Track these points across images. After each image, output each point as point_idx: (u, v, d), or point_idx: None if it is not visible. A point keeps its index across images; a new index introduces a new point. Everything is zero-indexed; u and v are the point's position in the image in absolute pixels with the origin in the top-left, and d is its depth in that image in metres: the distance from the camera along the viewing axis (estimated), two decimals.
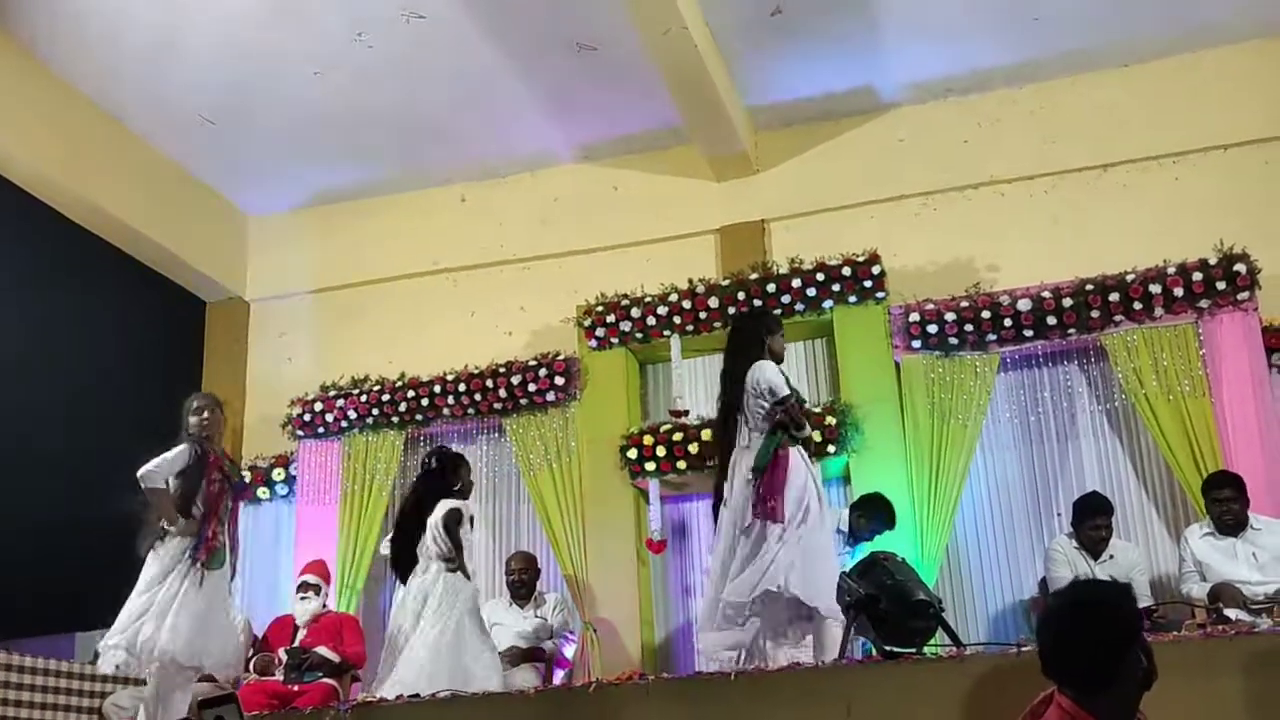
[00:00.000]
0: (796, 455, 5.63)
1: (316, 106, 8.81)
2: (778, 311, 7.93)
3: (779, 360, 5.96)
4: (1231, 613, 5.49)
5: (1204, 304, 7.42)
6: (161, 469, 5.92)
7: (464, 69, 8.47)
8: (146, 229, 9.06)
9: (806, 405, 6.41)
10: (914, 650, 4.44)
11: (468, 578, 6.23)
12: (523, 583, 7.56)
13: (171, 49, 8.17)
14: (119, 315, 9.09)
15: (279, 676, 6.96)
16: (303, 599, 7.40)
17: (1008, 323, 7.68)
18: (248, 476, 8.87)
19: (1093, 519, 6.67)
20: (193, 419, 6.11)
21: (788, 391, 5.67)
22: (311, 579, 7.51)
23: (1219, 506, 6.43)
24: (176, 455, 5.97)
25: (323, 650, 7.05)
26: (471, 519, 6.37)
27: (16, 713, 6.68)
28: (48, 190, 8.39)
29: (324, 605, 7.51)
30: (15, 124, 8.05)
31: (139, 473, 5.89)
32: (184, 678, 5.80)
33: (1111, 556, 6.65)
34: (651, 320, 8.29)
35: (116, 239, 9.01)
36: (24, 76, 8.16)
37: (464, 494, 6.51)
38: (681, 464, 7.84)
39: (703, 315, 8.20)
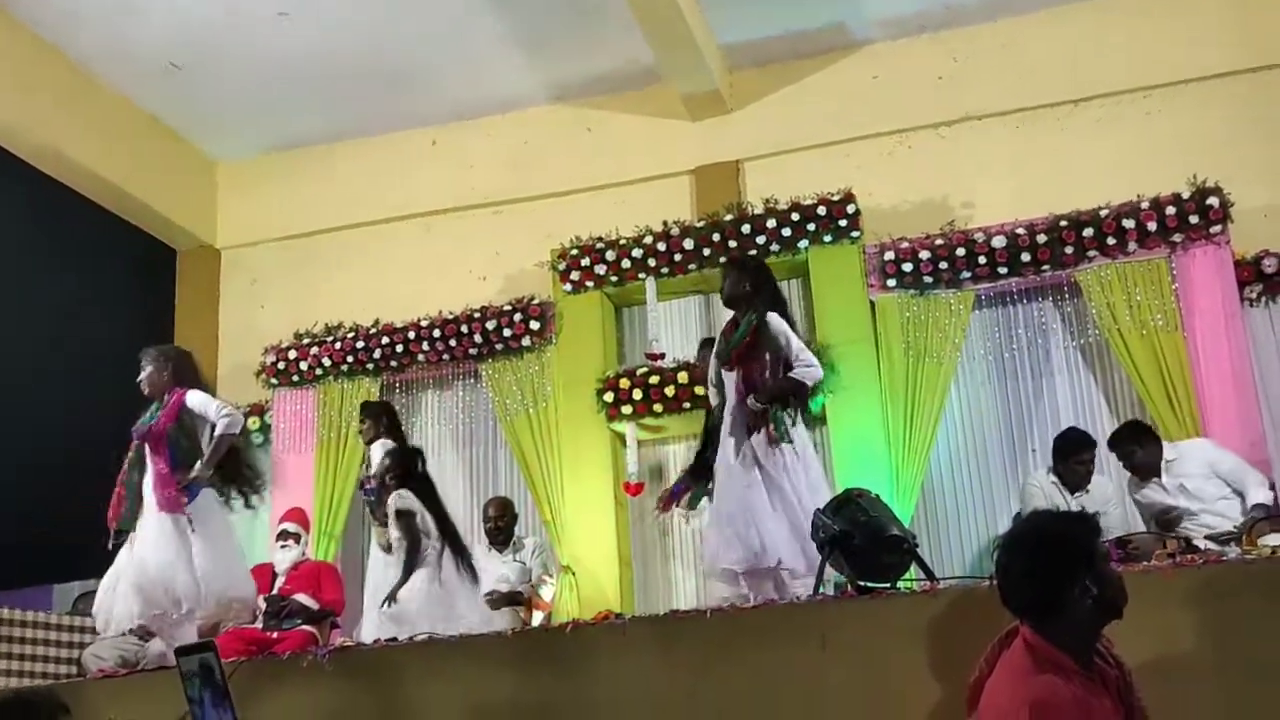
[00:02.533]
0: None
1: (284, 49, 8.67)
2: (752, 253, 7.94)
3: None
4: (1201, 543, 5.55)
5: (1177, 238, 7.45)
6: None
7: (433, 8, 8.35)
8: (114, 177, 8.95)
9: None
10: (888, 585, 4.47)
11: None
12: (500, 529, 7.55)
13: None
14: (89, 264, 8.99)
15: (258, 624, 6.97)
16: (283, 547, 7.40)
17: (982, 260, 7.70)
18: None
19: (1078, 454, 6.64)
20: None
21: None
22: (291, 527, 7.51)
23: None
24: None
25: (301, 597, 7.06)
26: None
27: None
28: (11, 139, 8.26)
29: (303, 553, 7.52)
30: None
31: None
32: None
33: (1087, 491, 6.69)
34: (626, 263, 8.27)
35: (84, 187, 8.89)
36: None
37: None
38: (658, 407, 7.87)
39: (678, 257, 8.18)
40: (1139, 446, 6.45)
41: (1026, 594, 3.10)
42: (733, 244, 8.03)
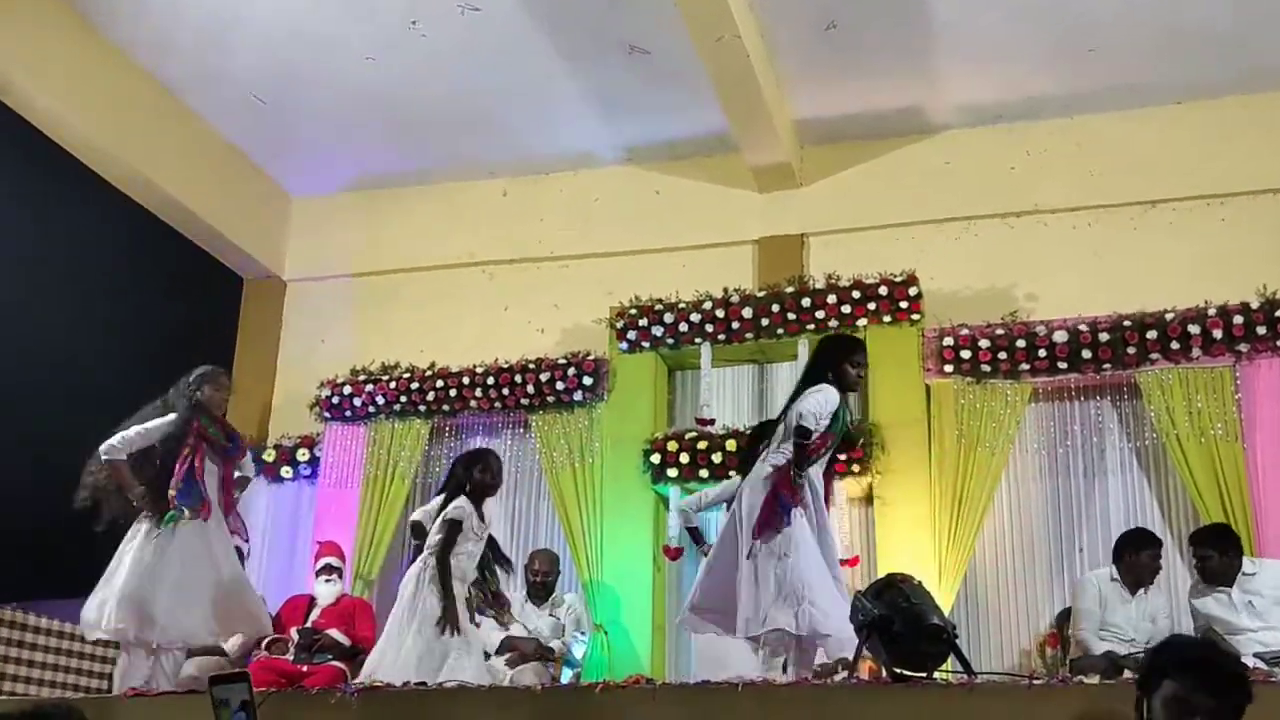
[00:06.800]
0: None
1: (367, 92, 8.85)
2: (811, 327, 7.93)
3: (849, 388, 5.74)
4: (1249, 659, 5.41)
5: (1243, 348, 7.35)
6: (131, 441, 6.08)
7: (515, 63, 8.49)
8: (190, 202, 9.10)
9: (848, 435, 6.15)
10: (924, 674, 4.40)
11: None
12: (545, 584, 7.53)
13: (229, 26, 8.23)
14: (157, 287, 9.16)
15: (289, 655, 6.98)
16: (327, 581, 7.42)
17: (1042, 353, 7.63)
18: (271, 455, 8.95)
19: (1150, 548, 6.41)
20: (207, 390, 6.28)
21: (815, 428, 5.47)
22: (335, 561, 7.54)
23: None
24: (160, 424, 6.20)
25: (334, 633, 7.07)
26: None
27: (28, 672, 6.76)
28: (96, 157, 8.48)
29: (343, 588, 7.55)
30: (70, 91, 8.14)
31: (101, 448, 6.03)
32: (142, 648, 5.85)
33: (1146, 592, 6.49)
34: (684, 327, 8.29)
35: (160, 210, 9.07)
36: (81, 45, 8.23)
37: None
38: (704, 472, 7.82)
39: (735, 325, 8.18)
40: (1221, 552, 6.18)
41: None
42: (792, 316, 8.03)
